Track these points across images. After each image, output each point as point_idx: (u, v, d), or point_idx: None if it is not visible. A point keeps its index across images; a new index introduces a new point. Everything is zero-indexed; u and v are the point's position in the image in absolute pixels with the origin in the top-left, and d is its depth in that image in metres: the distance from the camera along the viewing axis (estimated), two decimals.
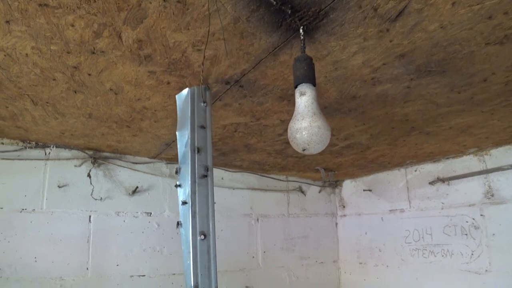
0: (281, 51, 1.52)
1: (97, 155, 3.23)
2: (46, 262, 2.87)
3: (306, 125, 1.17)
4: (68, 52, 1.51)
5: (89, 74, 1.72)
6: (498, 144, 3.02)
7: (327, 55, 1.55)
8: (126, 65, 1.63)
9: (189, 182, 1.25)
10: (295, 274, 4.20)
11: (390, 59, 1.60)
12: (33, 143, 2.97)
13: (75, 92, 1.93)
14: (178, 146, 1.34)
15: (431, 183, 3.59)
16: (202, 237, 1.23)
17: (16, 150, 2.90)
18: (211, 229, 1.26)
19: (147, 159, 3.47)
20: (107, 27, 1.33)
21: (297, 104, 1.23)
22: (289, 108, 2.19)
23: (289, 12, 1.25)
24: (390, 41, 1.45)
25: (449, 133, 2.70)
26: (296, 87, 1.27)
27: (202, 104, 1.37)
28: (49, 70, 1.68)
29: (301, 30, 1.31)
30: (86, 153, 3.17)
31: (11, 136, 2.83)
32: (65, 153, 3.10)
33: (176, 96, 1.40)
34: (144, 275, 3.25)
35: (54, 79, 1.77)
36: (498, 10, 1.26)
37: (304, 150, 1.18)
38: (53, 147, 3.04)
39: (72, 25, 1.31)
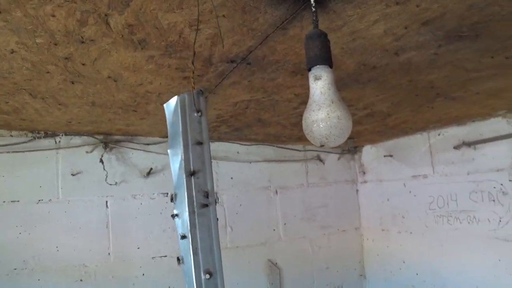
0: (290, 25, 1.34)
1: (108, 139, 3.14)
2: (68, 251, 2.88)
3: (323, 116, 1.00)
4: (56, 44, 1.37)
5: (83, 64, 1.58)
6: None
7: (343, 25, 1.36)
8: (121, 51, 1.48)
9: (187, 213, 1.03)
10: (317, 244, 4.15)
11: (416, 26, 1.40)
12: (42, 132, 2.89)
13: (73, 83, 1.80)
14: (172, 168, 1.12)
15: (456, 147, 3.39)
16: (208, 276, 1.03)
17: (25, 142, 2.84)
18: (217, 266, 1.05)
19: (159, 139, 3.36)
20: (91, 14, 1.17)
21: (311, 91, 1.06)
22: (303, 82, 2.02)
23: None
24: (417, 6, 1.25)
25: (477, 98, 2.48)
26: (309, 69, 1.09)
27: (195, 114, 1.13)
28: (40, 64, 1.55)
29: (312, 1, 1.12)
30: (97, 138, 3.09)
31: (19, 128, 2.75)
32: (76, 140, 3.03)
33: (164, 105, 1.17)
34: (165, 256, 3.25)
35: (48, 72, 1.64)
36: None
37: (322, 145, 1.03)
38: (62, 135, 2.97)
39: (53, 15, 1.16)
